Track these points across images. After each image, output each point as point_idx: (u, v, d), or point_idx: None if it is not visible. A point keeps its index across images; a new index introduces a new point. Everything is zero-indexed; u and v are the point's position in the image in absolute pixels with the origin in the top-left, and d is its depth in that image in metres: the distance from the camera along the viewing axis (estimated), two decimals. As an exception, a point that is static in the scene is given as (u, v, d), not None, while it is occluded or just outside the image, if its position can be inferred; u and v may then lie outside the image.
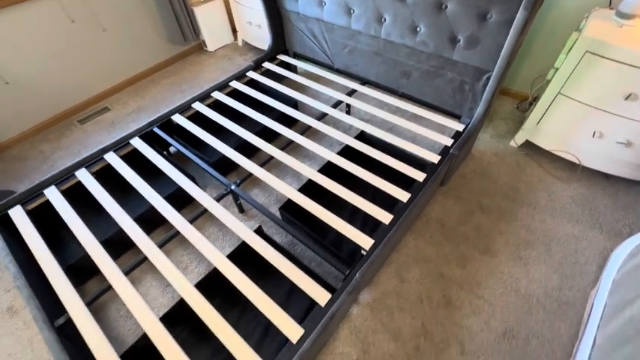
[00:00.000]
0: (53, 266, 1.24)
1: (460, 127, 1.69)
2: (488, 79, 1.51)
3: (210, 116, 1.87)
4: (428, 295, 1.37)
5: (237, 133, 1.76)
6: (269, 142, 1.69)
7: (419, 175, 1.49)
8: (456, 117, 1.80)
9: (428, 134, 1.66)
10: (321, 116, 1.89)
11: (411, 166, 1.53)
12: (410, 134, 1.95)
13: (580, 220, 1.58)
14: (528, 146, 1.90)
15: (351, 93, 2.01)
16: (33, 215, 1.45)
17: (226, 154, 1.65)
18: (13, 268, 1.23)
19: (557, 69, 1.56)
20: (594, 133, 1.58)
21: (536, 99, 2.06)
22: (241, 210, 1.69)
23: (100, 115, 2.38)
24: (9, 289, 1.44)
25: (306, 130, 1.85)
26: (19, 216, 1.42)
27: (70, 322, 1.14)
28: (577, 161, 1.72)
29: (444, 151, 1.58)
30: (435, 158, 1.55)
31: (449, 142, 1.62)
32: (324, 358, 1.22)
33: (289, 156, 1.61)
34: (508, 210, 1.65)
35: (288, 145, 1.79)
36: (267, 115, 1.84)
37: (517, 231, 1.56)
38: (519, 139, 1.90)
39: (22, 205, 1.47)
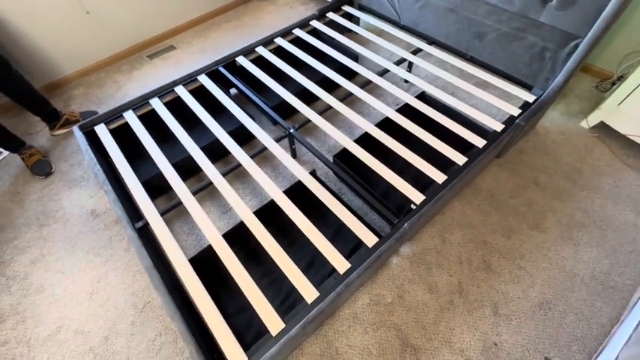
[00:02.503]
0: (133, 178, 1.42)
1: (530, 97, 1.60)
2: (576, 46, 1.40)
3: (272, 61, 1.92)
4: (468, 258, 1.41)
5: (297, 79, 1.80)
6: (328, 92, 1.72)
7: (478, 141, 1.47)
8: (527, 87, 1.70)
9: (493, 101, 1.60)
10: (382, 72, 1.87)
11: (471, 131, 1.51)
12: (473, 100, 1.89)
13: (645, 211, 1.50)
14: (601, 129, 1.78)
15: (416, 52, 1.95)
16: (113, 134, 1.63)
17: (286, 99, 1.71)
18: (102, 175, 1.42)
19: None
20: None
21: (621, 78, 1.89)
22: (294, 155, 1.77)
23: (166, 52, 2.51)
24: (92, 196, 1.66)
25: (365, 85, 1.85)
26: (103, 133, 1.61)
27: (146, 226, 1.32)
28: (656, 150, 1.60)
29: (509, 121, 1.53)
30: (497, 126, 1.51)
31: (515, 111, 1.56)
32: (361, 295, 1.33)
33: (347, 108, 1.64)
34: (566, 190, 1.59)
35: (346, 98, 1.82)
36: (327, 66, 1.85)
37: (572, 212, 1.52)
38: (593, 119, 1.77)
39: (105, 124, 1.65)
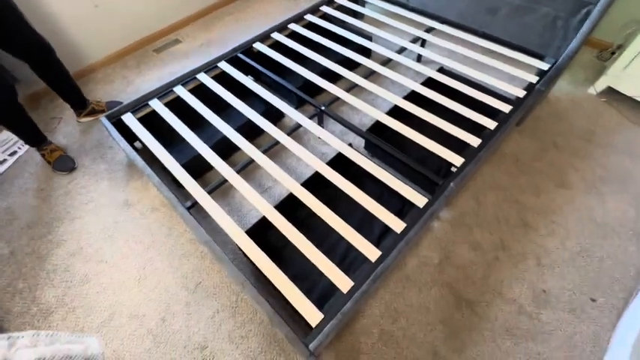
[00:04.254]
0: (173, 162, 1.43)
1: (544, 65, 1.71)
2: (587, 13, 1.52)
3: (290, 45, 1.97)
4: (505, 216, 1.50)
5: (317, 61, 1.86)
6: (350, 71, 1.78)
7: (504, 107, 1.56)
8: (538, 57, 1.82)
9: (510, 71, 1.69)
10: (399, 51, 1.95)
11: (494, 98, 1.60)
12: (489, 71, 1.94)
13: (659, 164, 1.63)
14: (609, 94, 1.92)
15: (429, 30, 2.04)
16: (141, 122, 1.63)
17: (311, 80, 1.76)
18: (140, 161, 1.42)
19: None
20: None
21: (620, 47, 2.03)
22: (321, 135, 1.82)
23: (172, 46, 2.51)
24: (123, 188, 1.65)
25: (385, 63, 1.93)
26: (131, 121, 1.61)
27: (193, 206, 1.34)
28: (661, 107, 1.74)
29: (529, 88, 1.63)
30: (519, 93, 1.61)
31: (533, 79, 1.66)
32: (409, 259, 1.39)
33: (372, 84, 1.70)
34: (583, 149, 1.71)
35: (369, 75, 1.89)
36: (344, 47, 1.92)
37: (593, 168, 1.64)
38: (600, 85, 1.91)
39: (132, 113, 1.65)
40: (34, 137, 1.67)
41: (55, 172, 1.71)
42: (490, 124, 1.50)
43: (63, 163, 1.71)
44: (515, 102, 1.58)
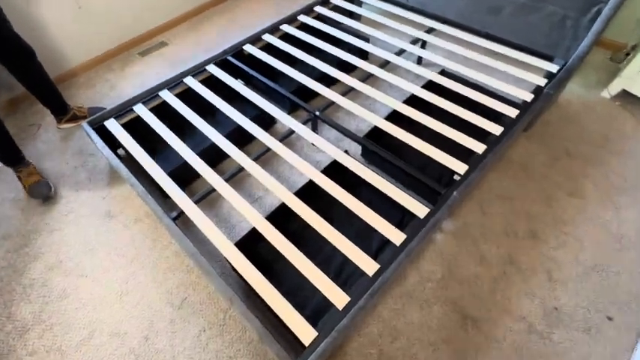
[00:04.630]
0: (158, 170, 1.49)
1: (553, 67, 1.79)
2: (598, 12, 1.61)
3: (282, 48, 2.05)
4: (512, 228, 1.55)
5: (311, 64, 1.94)
6: (346, 74, 1.86)
7: (510, 112, 1.63)
8: (547, 58, 1.90)
9: (516, 73, 1.77)
10: (398, 52, 2.04)
11: (500, 102, 1.67)
12: (494, 74, 2.00)
13: (677, 171, 1.69)
14: (623, 97, 1.99)
15: (429, 31, 2.13)
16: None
17: (305, 84, 1.84)
18: (124, 169, 1.48)
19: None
20: None
21: (635, 48, 2.12)
22: (316, 142, 1.89)
23: (158, 49, 2.61)
24: (104, 197, 1.71)
25: (383, 65, 2.01)
26: (114, 127, 1.68)
27: (180, 217, 1.40)
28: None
29: (537, 91, 1.70)
30: (527, 96, 1.68)
31: (541, 81, 1.74)
32: (410, 273, 1.43)
33: (370, 87, 1.78)
34: (597, 156, 1.77)
35: (365, 79, 1.96)
36: (340, 49, 2.01)
37: (607, 176, 1.70)
38: (614, 88, 1.99)
39: (115, 118, 1.72)
40: (11, 156, 1.70)
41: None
42: (495, 129, 1.56)
43: (38, 190, 1.69)
44: (522, 106, 1.64)
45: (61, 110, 1.98)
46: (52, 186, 1.74)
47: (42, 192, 1.70)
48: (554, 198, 1.64)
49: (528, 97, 1.68)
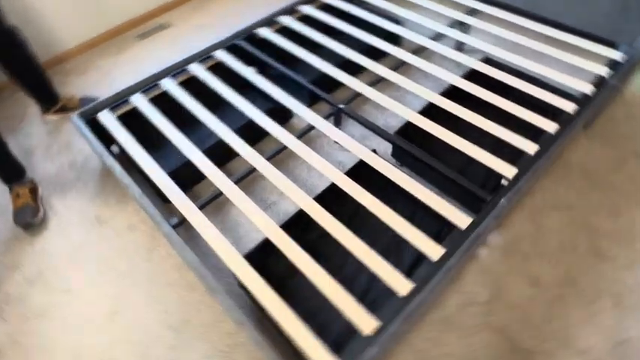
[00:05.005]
0: (157, 170, 1.46)
1: (617, 55, 1.71)
2: (672, -11, 1.52)
3: (302, 32, 2.02)
4: (572, 243, 1.47)
5: (336, 50, 1.90)
6: (375, 61, 1.81)
7: (567, 106, 1.55)
8: (609, 45, 1.81)
9: (573, 61, 1.70)
10: (435, 37, 1.98)
11: (554, 94, 1.60)
12: (547, 62, 1.94)
13: None
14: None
15: (471, 13, 2.07)
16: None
17: (327, 72, 1.80)
18: (118, 167, 1.46)
19: None
20: None
21: None
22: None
23: (159, 31, 2.61)
24: (93, 199, 1.69)
25: (418, 51, 1.95)
26: (109, 120, 1.66)
27: (183, 223, 1.36)
28: None
29: (598, 82, 1.62)
30: (586, 88, 1.60)
31: (603, 71, 1.66)
32: (449, 295, 1.36)
33: (402, 76, 1.72)
34: (673, 160, 1.68)
35: (398, 67, 1.92)
36: (369, 33, 1.97)
37: (686, 184, 1.60)
38: (691, 79, 1.89)
39: (110, 110, 1.70)
40: (8, 171, 1.65)
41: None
42: (549, 126, 1.49)
43: (21, 216, 1.60)
44: (581, 100, 1.57)
45: (50, 100, 1.97)
46: (41, 210, 1.64)
47: (24, 218, 1.58)
48: (623, 209, 1.56)
49: (588, 89, 1.60)
